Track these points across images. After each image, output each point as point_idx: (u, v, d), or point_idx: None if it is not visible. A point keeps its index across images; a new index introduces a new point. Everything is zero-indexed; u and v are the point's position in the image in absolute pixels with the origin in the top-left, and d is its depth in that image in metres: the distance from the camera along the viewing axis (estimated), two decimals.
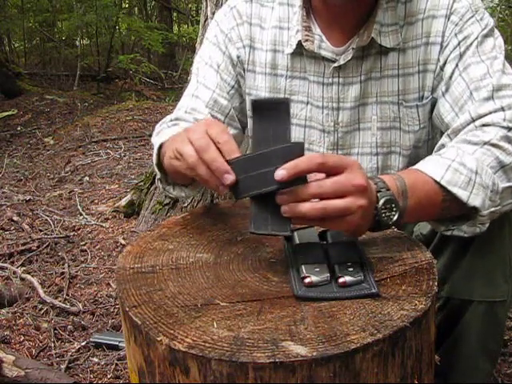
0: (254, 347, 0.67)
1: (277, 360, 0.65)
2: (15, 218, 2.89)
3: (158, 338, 0.70)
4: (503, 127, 0.99)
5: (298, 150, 0.82)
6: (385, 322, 0.72)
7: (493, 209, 0.94)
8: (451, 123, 1.08)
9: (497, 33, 1.12)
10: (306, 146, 1.21)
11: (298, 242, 0.92)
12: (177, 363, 0.69)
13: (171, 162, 0.97)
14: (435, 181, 0.92)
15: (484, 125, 1.00)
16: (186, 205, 2.55)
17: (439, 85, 1.13)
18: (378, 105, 1.16)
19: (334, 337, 0.69)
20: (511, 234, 1.05)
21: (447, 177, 0.92)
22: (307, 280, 0.81)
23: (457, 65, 1.09)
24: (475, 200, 0.92)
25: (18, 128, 5.24)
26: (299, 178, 0.79)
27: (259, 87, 1.24)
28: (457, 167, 0.93)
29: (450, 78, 1.10)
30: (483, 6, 1.13)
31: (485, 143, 0.97)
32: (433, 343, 0.82)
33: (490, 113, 1.01)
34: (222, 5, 2.41)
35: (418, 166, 0.97)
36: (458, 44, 1.10)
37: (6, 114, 5.59)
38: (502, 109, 1.01)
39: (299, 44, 1.16)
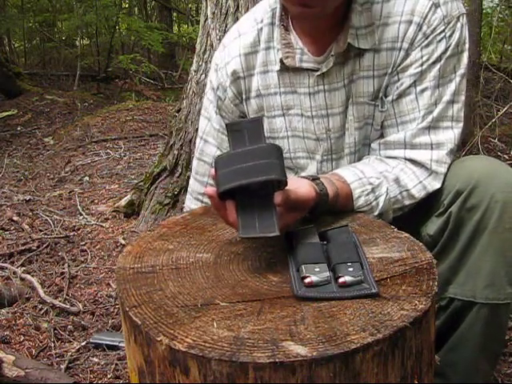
0: (254, 347, 0.67)
1: (277, 360, 0.65)
2: (15, 218, 2.89)
3: (158, 338, 0.70)
4: (427, 170, 1.11)
5: (272, 147, 0.91)
6: (385, 322, 0.72)
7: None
8: (388, 132, 1.16)
9: (465, 46, 1.12)
10: (309, 155, 1.25)
11: (298, 242, 0.92)
12: (177, 363, 0.69)
13: None
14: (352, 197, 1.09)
15: (412, 160, 1.12)
16: None
17: (391, 90, 1.14)
18: (354, 105, 1.17)
19: (334, 337, 0.69)
20: None
21: (360, 202, 1.09)
22: (307, 280, 0.81)
23: (415, 83, 1.11)
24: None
25: (18, 128, 5.24)
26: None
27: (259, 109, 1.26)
28: (371, 199, 1.09)
29: (404, 91, 1.13)
30: (459, 12, 1.10)
31: (404, 190, 1.11)
32: (433, 343, 0.82)
33: (421, 147, 1.12)
34: (221, 5, 2.38)
35: (347, 177, 1.10)
36: (421, 61, 1.10)
37: (6, 113, 5.59)
38: (431, 146, 1.12)
39: (282, 61, 1.17)
